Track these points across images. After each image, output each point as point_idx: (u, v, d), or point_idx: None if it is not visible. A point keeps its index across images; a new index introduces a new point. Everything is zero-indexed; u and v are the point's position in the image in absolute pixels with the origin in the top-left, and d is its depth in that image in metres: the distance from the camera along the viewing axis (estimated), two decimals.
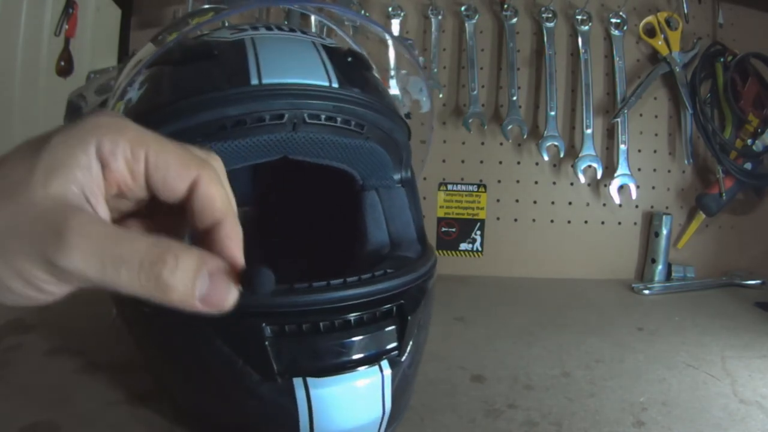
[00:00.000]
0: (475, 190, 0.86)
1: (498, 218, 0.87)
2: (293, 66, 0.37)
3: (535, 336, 0.60)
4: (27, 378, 0.45)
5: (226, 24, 0.54)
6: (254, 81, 0.35)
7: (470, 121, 0.82)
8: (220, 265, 0.23)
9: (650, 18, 0.83)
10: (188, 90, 0.35)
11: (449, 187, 0.86)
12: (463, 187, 0.86)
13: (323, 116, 0.37)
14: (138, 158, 0.23)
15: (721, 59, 0.83)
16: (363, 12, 0.82)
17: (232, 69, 0.36)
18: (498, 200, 0.86)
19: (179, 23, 0.41)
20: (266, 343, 0.32)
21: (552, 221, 0.87)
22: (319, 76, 0.37)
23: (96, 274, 0.22)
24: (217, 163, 0.25)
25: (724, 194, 0.81)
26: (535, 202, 0.87)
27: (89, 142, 0.23)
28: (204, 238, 0.24)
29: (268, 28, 0.40)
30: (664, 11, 0.84)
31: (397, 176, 0.44)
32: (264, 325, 0.32)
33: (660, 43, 0.83)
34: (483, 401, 0.45)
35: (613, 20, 0.83)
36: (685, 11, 0.83)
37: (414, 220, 0.45)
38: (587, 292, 0.79)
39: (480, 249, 0.87)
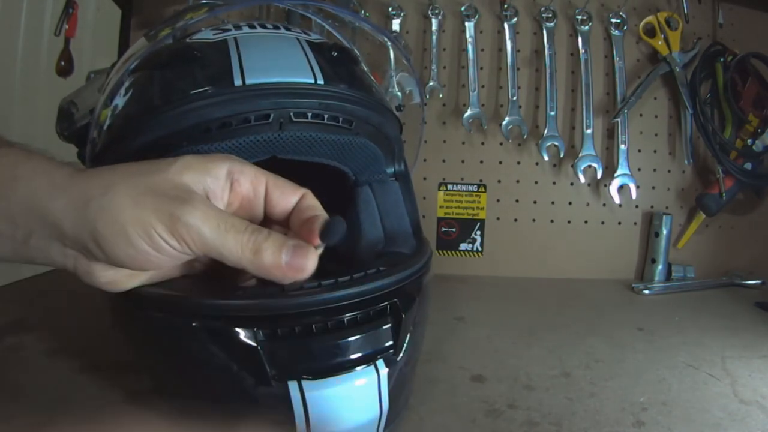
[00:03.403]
0: (475, 190, 0.86)
1: (498, 218, 0.87)
2: (277, 64, 0.36)
3: (535, 336, 0.60)
4: (27, 378, 0.45)
5: (225, 21, 0.54)
6: (238, 82, 0.35)
7: (470, 121, 0.82)
8: (299, 242, 0.31)
9: (650, 18, 0.83)
10: (172, 95, 0.35)
11: (449, 187, 0.86)
12: (463, 187, 0.86)
13: (310, 114, 0.36)
14: (260, 182, 0.33)
15: (721, 59, 0.83)
16: (363, 12, 0.81)
17: (215, 71, 0.36)
18: (498, 200, 0.86)
19: (173, 19, 0.41)
20: (259, 347, 0.31)
21: (552, 221, 0.87)
22: (304, 74, 0.37)
23: (210, 232, 0.29)
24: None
25: (724, 194, 0.81)
26: (535, 202, 0.87)
27: (223, 164, 0.32)
28: (299, 229, 0.33)
29: (252, 27, 0.40)
30: (664, 11, 0.83)
31: (390, 170, 0.44)
32: (256, 329, 0.31)
33: (660, 43, 0.83)
34: (483, 401, 0.45)
35: (613, 20, 0.83)
36: (685, 11, 0.83)
37: (409, 213, 0.44)
38: (587, 292, 0.79)
39: (480, 249, 0.87)
